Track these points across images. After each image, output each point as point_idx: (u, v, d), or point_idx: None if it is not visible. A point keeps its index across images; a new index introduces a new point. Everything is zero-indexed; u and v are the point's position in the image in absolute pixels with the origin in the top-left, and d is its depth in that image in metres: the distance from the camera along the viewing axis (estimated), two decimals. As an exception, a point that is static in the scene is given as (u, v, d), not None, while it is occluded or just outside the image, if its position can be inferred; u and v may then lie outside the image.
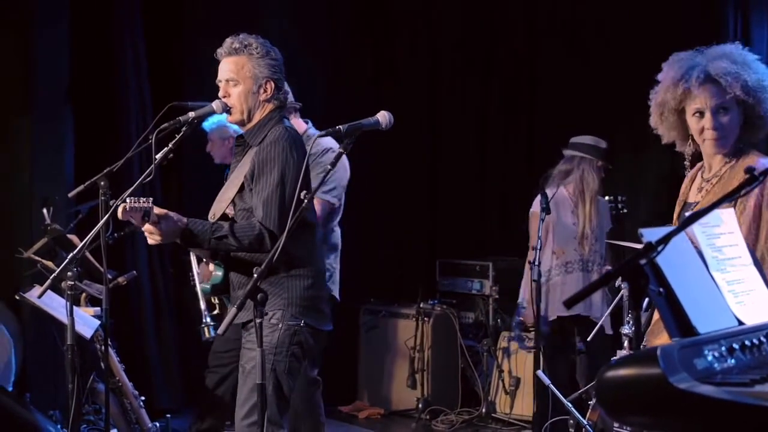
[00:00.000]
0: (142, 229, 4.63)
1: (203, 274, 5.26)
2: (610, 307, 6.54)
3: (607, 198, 7.36)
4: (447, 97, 9.90)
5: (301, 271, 4.75)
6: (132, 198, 4.46)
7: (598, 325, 6.43)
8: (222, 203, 4.89)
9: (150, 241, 4.70)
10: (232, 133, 7.72)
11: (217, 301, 5.34)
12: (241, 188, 4.79)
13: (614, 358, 6.14)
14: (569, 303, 2.79)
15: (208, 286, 4.92)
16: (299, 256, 4.69)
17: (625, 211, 7.37)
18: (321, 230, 5.73)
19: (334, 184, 6.10)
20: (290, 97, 5.84)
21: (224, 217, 4.86)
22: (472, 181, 9.83)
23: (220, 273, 4.88)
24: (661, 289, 2.92)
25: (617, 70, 8.48)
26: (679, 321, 2.97)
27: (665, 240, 2.80)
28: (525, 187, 8.02)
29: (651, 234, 2.93)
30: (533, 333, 7.31)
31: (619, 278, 3.03)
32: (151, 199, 4.54)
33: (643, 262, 2.81)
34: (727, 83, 4.06)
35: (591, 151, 7.35)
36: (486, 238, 9.57)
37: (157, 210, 4.58)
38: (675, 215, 4.40)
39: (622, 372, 2.68)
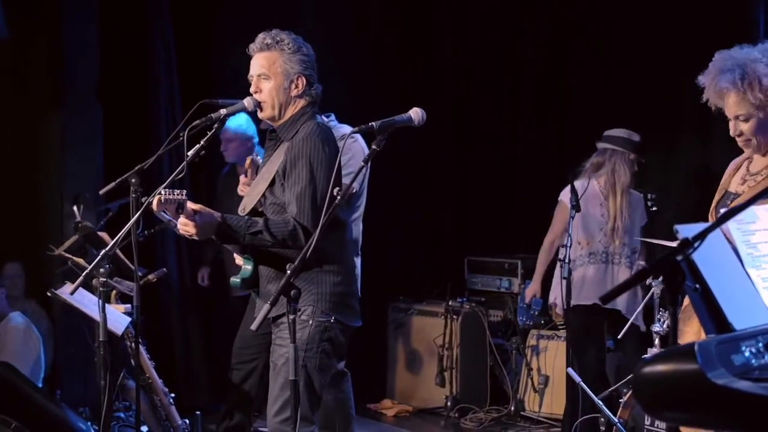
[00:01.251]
0: (177, 224, 4.61)
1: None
2: (642, 304, 6.52)
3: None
4: (476, 93, 9.86)
5: (332, 267, 4.74)
6: (167, 189, 4.46)
7: (629, 323, 6.40)
8: (252, 197, 4.88)
9: (185, 235, 4.69)
10: (252, 135, 7.75)
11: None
12: (272, 182, 4.78)
13: (645, 356, 6.15)
14: (605, 299, 2.79)
15: (238, 280, 4.90)
16: (330, 252, 4.68)
17: (655, 208, 7.32)
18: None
19: (351, 168, 6.07)
20: None
21: (254, 210, 4.85)
22: (501, 177, 9.81)
23: (249, 267, 4.85)
24: (697, 286, 2.91)
25: (648, 67, 8.43)
26: (714, 317, 2.96)
27: (701, 236, 2.79)
28: (555, 184, 7.98)
29: (687, 230, 2.92)
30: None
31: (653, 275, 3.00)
32: (185, 191, 4.54)
33: (679, 258, 2.80)
34: (740, 91, 4.10)
35: (623, 144, 7.31)
36: (515, 235, 9.53)
37: (191, 205, 4.57)
38: (714, 203, 4.39)
39: (660, 368, 2.67)
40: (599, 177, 7.32)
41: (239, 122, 7.64)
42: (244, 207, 4.89)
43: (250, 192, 4.96)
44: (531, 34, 9.67)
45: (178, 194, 4.49)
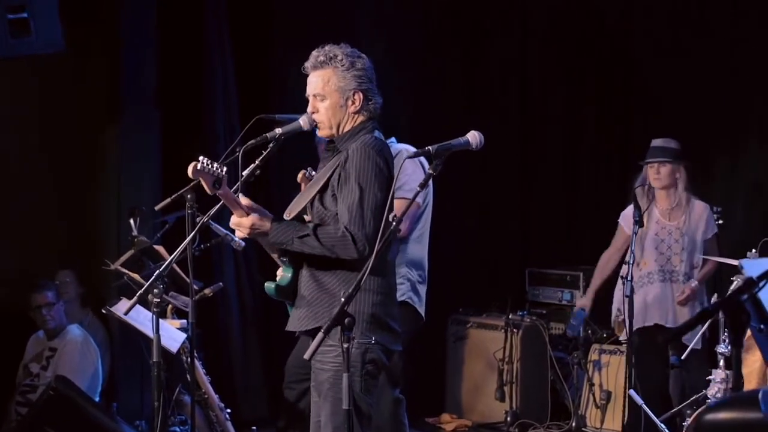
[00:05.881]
0: (231, 224, 4.62)
1: None
2: (704, 327, 6.36)
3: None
4: (538, 105, 9.78)
5: (372, 286, 4.60)
6: (205, 159, 4.38)
7: (689, 348, 6.28)
8: (300, 203, 4.79)
9: (237, 231, 4.67)
10: None
11: None
12: (322, 189, 4.70)
13: (709, 377, 6.01)
14: (667, 341, 2.69)
15: (273, 286, 4.79)
16: (371, 270, 4.57)
17: (721, 221, 7.19)
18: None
19: (404, 179, 5.98)
20: None
21: (299, 216, 4.76)
22: (563, 189, 9.70)
23: (288, 275, 4.72)
24: (762, 326, 2.80)
25: (713, 77, 8.32)
26: (780, 357, 2.85)
27: (767, 275, 2.67)
28: (617, 195, 7.90)
29: (752, 267, 2.82)
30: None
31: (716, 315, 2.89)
32: (225, 168, 4.46)
33: (744, 297, 2.68)
34: None
35: (658, 154, 7.22)
36: (577, 247, 9.41)
37: (245, 201, 4.57)
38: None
39: (722, 416, 2.57)
40: (655, 194, 7.24)
41: None
42: (290, 212, 4.78)
43: (299, 197, 4.88)
44: (595, 43, 9.53)
45: (217, 168, 4.41)
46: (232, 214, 4.61)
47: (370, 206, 4.51)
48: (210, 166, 4.39)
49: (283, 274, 4.78)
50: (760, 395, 2.51)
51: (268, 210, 4.75)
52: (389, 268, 4.87)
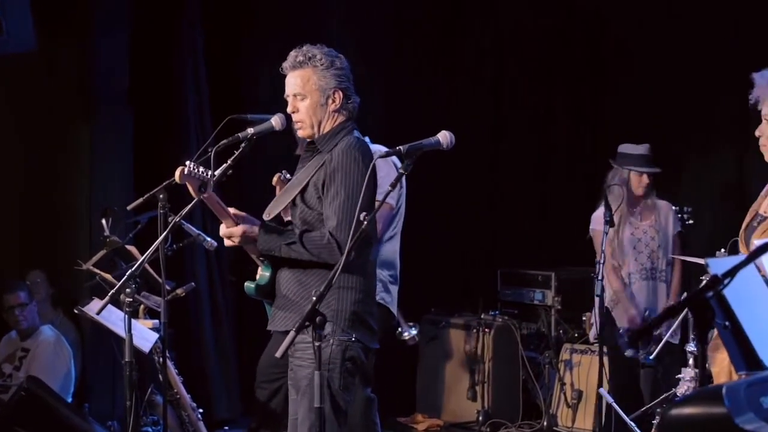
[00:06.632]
0: (220, 234, 4.68)
1: None
2: (677, 321, 6.41)
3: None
4: (510, 105, 9.80)
5: (353, 284, 4.65)
6: (192, 163, 4.42)
7: (663, 341, 6.32)
8: (279, 204, 4.82)
9: (227, 243, 4.73)
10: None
11: None
12: (303, 190, 4.72)
13: (679, 375, 6.07)
14: (632, 342, 2.72)
15: (253, 286, 4.83)
16: (353, 269, 4.60)
17: (691, 222, 7.26)
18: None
19: (378, 182, 5.98)
20: None
21: (278, 216, 4.80)
22: (534, 189, 9.73)
23: (267, 274, 4.78)
24: (726, 323, 2.83)
25: (683, 78, 8.37)
26: (745, 354, 2.89)
27: (732, 273, 2.71)
28: (588, 196, 7.92)
29: (717, 265, 2.85)
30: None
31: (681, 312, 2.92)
32: (210, 171, 4.49)
33: (709, 294, 2.72)
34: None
35: (627, 161, 7.27)
36: (548, 247, 9.44)
37: (234, 211, 4.64)
38: (744, 224, 4.29)
39: (687, 411, 2.60)
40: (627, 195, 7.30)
41: None
42: (269, 212, 4.82)
43: (278, 198, 4.91)
44: (567, 44, 9.58)
45: (203, 171, 4.45)
46: (207, 216, 4.63)
47: (356, 210, 4.52)
48: (196, 170, 4.43)
49: (262, 273, 4.82)
50: (723, 390, 2.54)
51: (240, 209, 4.78)
52: (371, 268, 4.92)
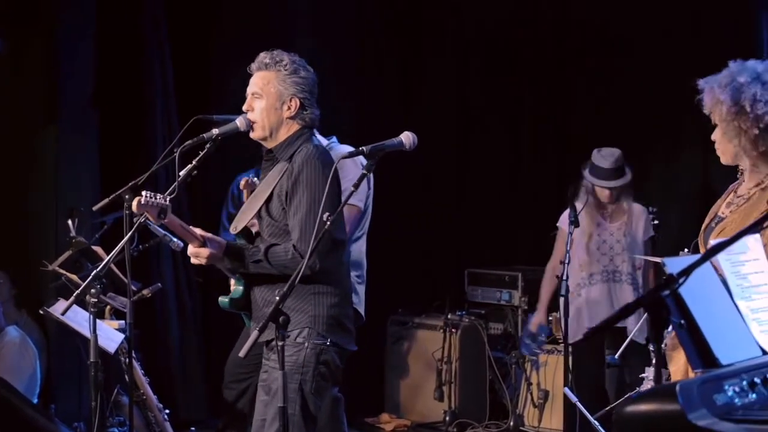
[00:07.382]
0: (188, 253, 4.69)
1: None
2: (642, 320, 6.45)
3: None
4: (476, 106, 9.82)
5: (328, 288, 4.69)
6: (148, 192, 4.43)
7: (627, 340, 6.36)
8: (245, 216, 4.85)
9: (194, 261, 4.75)
10: None
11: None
12: (268, 200, 4.74)
13: (642, 375, 6.11)
14: (588, 335, 2.75)
15: (227, 300, 4.87)
16: (326, 272, 4.62)
17: (657, 222, 7.30)
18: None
19: (345, 184, 6.01)
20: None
21: (246, 230, 4.82)
22: (501, 189, 9.73)
23: (240, 287, 4.83)
24: (682, 321, 2.86)
25: (650, 79, 8.42)
26: (701, 352, 2.92)
27: (687, 272, 2.74)
28: (555, 196, 7.96)
29: (674, 264, 2.88)
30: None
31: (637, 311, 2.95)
32: (168, 197, 4.51)
33: (665, 293, 2.75)
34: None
35: (593, 172, 7.27)
36: (515, 247, 9.48)
37: (202, 232, 4.64)
38: (703, 226, 4.33)
39: (642, 408, 2.63)
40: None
41: None
42: (236, 226, 4.86)
43: (244, 210, 4.93)
44: (533, 45, 9.60)
45: (160, 198, 4.46)
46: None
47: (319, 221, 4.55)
48: (153, 199, 4.45)
49: (235, 287, 4.84)
50: (677, 388, 2.57)
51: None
52: (344, 271, 4.94)
